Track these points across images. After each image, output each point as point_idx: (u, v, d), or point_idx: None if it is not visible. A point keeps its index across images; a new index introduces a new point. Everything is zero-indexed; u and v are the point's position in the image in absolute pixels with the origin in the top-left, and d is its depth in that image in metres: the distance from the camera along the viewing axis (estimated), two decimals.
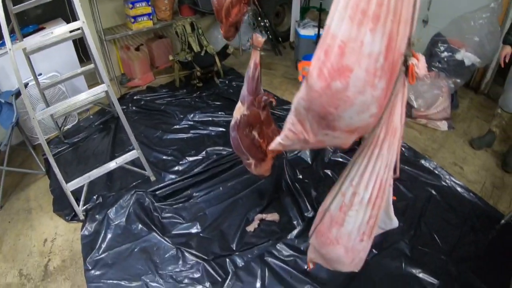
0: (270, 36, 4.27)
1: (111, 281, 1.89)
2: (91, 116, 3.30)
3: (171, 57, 3.47)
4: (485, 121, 3.30)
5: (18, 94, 2.47)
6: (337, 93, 0.85)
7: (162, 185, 2.39)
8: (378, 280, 1.96)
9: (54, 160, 2.10)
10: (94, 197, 2.37)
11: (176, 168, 2.57)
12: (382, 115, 1.00)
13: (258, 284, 1.86)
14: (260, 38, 1.63)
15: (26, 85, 2.34)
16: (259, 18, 4.08)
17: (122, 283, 1.88)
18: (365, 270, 1.97)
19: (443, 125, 3.16)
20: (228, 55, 3.71)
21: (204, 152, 2.70)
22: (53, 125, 3.00)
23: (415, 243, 2.17)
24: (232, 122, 1.79)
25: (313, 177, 2.51)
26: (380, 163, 1.07)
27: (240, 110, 1.76)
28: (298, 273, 1.90)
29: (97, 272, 1.94)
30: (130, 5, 3.39)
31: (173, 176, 2.48)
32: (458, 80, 3.35)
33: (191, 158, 2.65)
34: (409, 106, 3.17)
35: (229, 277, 1.86)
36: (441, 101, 3.06)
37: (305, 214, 2.23)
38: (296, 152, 2.68)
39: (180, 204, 2.29)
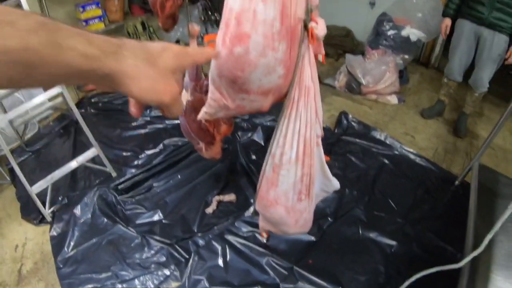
0: None
1: (82, 276, 1.96)
2: (51, 123, 3.33)
3: None
4: (435, 92, 3.47)
5: None
6: (239, 58, 0.97)
7: (123, 179, 2.46)
8: (337, 247, 2.08)
9: (18, 168, 2.15)
10: (60, 198, 2.42)
11: (136, 162, 2.65)
12: (293, 76, 1.13)
13: (220, 261, 1.97)
14: (196, 27, 1.73)
15: None
16: (209, 13, 4.18)
17: (93, 276, 1.96)
18: (322, 238, 2.14)
19: (393, 99, 3.33)
20: None
21: (161, 145, 2.79)
22: (15, 135, 3.02)
23: (370, 209, 2.31)
24: None
25: None
26: (299, 122, 1.20)
27: (185, 97, 1.86)
28: (257, 246, 2.02)
29: (69, 269, 2.01)
30: (81, 9, 3.43)
31: (133, 170, 2.55)
32: (406, 56, 3.55)
33: (149, 152, 2.74)
34: (357, 83, 3.33)
35: (191, 257, 1.97)
36: (388, 76, 3.23)
37: None
38: (249, 135, 2.82)
39: (142, 195, 2.37)
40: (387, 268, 1.99)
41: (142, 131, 3.01)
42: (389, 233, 2.17)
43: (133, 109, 0.57)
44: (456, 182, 2.56)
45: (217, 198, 2.28)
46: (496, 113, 3.42)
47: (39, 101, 2.22)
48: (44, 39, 0.38)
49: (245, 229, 2.12)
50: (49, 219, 2.30)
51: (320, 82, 3.53)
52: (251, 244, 2.03)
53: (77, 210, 2.31)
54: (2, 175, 2.70)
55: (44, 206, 2.33)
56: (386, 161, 2.69)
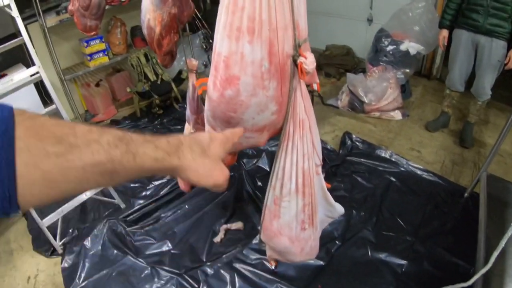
0: None
1: None
2: None
3: (128, 89, 3.61)
4: (439, 104, 3.43)
5: None
6: (231, 100, 1.00)
7: (131, 210, 2.50)
8: (346, 270, 2.05)
9: None
10: (70, 230, 2.47)
11: (144, 193, 2.69)
12: (287, 111, 1.15)
13: None
14: (194, 62, 1.79)
15: None
16: (211, 41, 4.26)
17: None
18: (331, 261, 2.11)
19: (397, 115, 3.33)
20: (183, 80, 3.86)
21: (168, 175, 2.81)
22: None
23: (378, 229, 2.27)
24: None
25: None
26: (296, 154, 1.22)
27: (188, 129, 1.91)
28: (266, 274, 2.01)
29: None
30: (85, 44, 3.54)
31: (141, 201, 2.59)
32: (407, 70, 3.56)
33: (156, 182, 2.77)
34: (360, 102, 3.34)
35: (200, 286, 1.97)
36: (390, 92, 3.24)
37: None
38: (254, 161, 2.84)
39: (150, 226, 2.40)
40: None
41: None
42: (399, 253, 2.13)
43: (184, 187, 0.67)
44: (466, 194, 2.51)
45: (224, 226, 2.30)
46: (502, 118, 3.35)
47: None
48: (123, 151, 0.47)
49: (253, 256, 2.12)
50: (60, 251, 2.35)
51: (323, 103, 3.60)
52: (259, 272, 2.03)
53: (87, 242, 2.34)
54: None
55: (55, 238, 2.37)
56: (393, 179, 2.67)
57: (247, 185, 2.60)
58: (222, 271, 2.05)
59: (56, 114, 3.21)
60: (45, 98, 3.50)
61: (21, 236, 2.58)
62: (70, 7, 2.48)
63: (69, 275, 2.19)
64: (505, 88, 3.58)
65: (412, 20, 3.47)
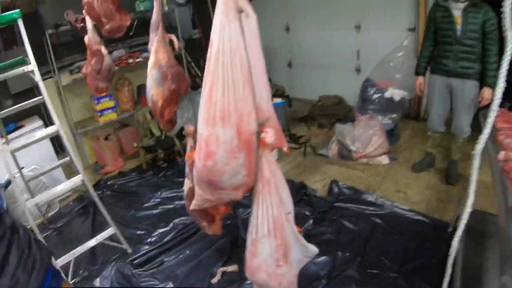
0: None
1: None
2: (71, 203, 3.84)
3: (135, 144, 4.10)
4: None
5: (6, 186, 3.00)
6: (211, 168, 1.43)
7: (138, 255, 2.89)
8: None
9: (44, 242, 2.60)
10: (81, 271, 2.84)
11: (149, 240, 3.10)
12: (256, 173, 1.57)
13: None
14: (191, 127, 2.20)
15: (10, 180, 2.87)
16: None
17: None
18: None
19: (384, 159, 3.68)
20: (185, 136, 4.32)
21: (171, 224, 3.25)
22: (38, 213, 3.53)
23: (363, 268, 2.53)
24: (184, 194, 2.33)
25: None
26: (266, 205, 1.62)
27: (187, 184, 2.30)
28: None
29: None
30: (96, 101, 4.08)
31: (146, 247, 3.00)
32: (394, 115, 3.96)
33: (161, 230, 3.20)
34: (348, 151, 3.74)
35: None
36: (376, 139, 3.62)
37: None
38: (249, 211, 3.20)
39: (155, 269, 2.78)
40: None
41: (154, 211, 3.51)
42: None
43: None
44: (449, 229, 2.72)
45: (221, 269, 2.66)
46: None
47: (62, 187, 2.70)
48: None
49: None
50: None
51: (315, 153, 3.99)
52: None
53: (97, 283, 2.71)
54: None
55: (67, 277, 2.74)
56: (378, 221, 2.95)
57: (242, 232, 2.98)
58: None
59: (69, 165, 3.70)
60: (57, 148, 3.97)
61: None
62: (83, 70, 2.96)
63: None
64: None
65: (394, 69, 3.92)
